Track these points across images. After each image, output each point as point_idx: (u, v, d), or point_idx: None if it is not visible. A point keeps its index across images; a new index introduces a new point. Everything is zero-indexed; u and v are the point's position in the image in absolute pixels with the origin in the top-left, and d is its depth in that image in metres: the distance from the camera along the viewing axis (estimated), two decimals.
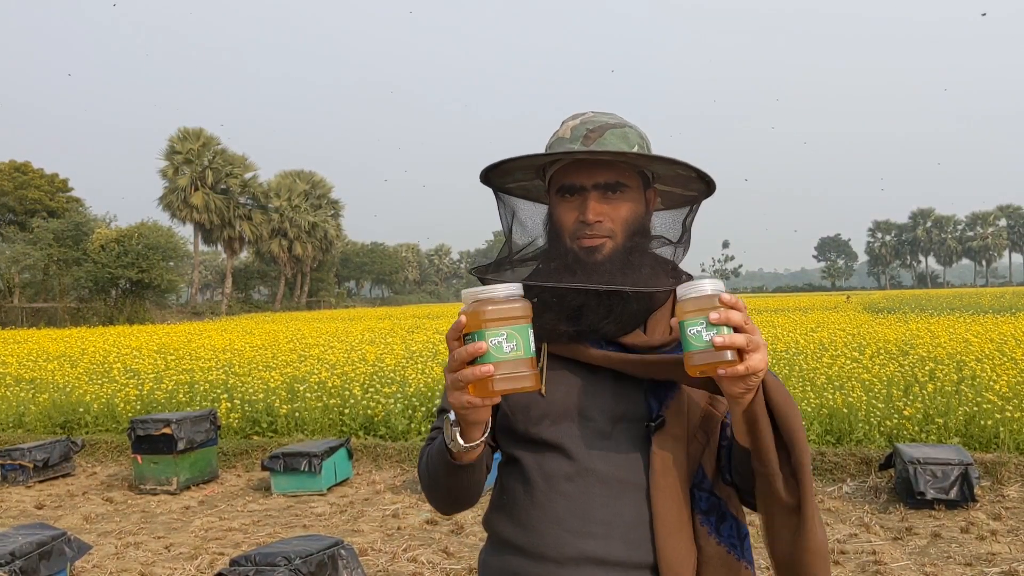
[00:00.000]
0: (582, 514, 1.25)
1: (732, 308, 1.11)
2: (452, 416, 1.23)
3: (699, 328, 1.10)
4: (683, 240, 1.40)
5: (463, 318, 1.12)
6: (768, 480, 1.22)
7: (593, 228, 1.30)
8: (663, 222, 1.42)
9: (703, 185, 1.37)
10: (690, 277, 1.40)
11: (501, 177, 1.42)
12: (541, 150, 1.37)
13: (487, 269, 1.41)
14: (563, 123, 1.36)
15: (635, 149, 1.31)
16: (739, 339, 1.10)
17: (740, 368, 1.10)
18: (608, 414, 1.29)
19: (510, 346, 1.11)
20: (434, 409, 8.01)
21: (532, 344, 1.13)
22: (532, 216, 1.45)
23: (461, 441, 1.23)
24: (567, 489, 1.27)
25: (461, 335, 1.13)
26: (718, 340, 1.08)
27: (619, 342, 1.31)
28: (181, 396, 9.11)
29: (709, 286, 1.12)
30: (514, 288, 1.13)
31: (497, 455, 1.48)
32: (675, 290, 1.18)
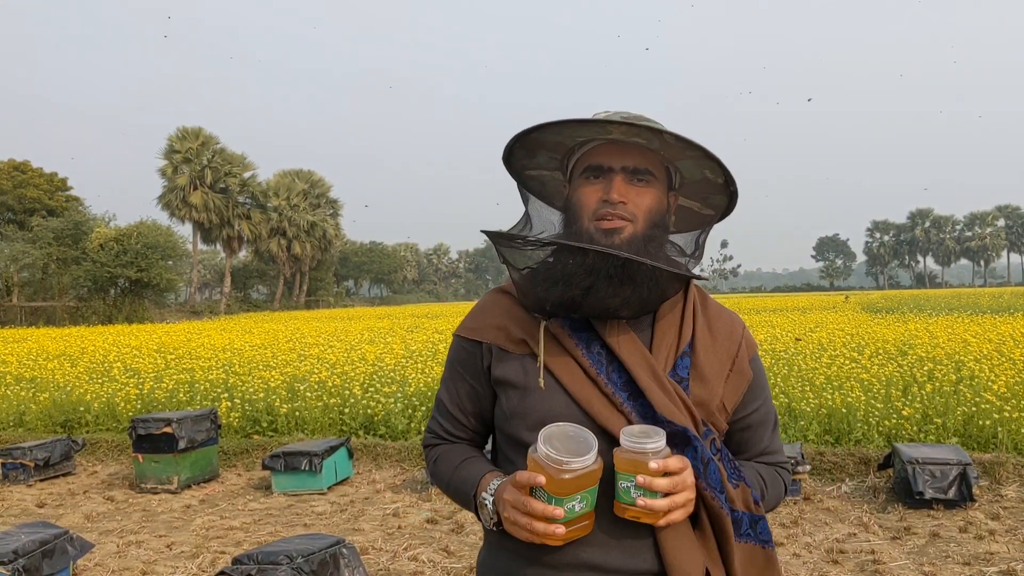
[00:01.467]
0: None
1: (664, 471, 1.17)
2: (491, 504, 1.29)
3: (628, 484, 1.19)
4: (695, 255, 1.41)
5: (542, 479, 1.16)
6: None
7: (616, 208, 1.28)
8: (678, 240, 1.42)
9: (724, 198, 1.35)
10: (703, 277, 1.40)
11: (526, 157, 1.39)
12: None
13: (503, 238, 1.37)
14: (595, 114, 1.34)
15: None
16: (660, 505, 1.18)
17: (660, 523, 1.21)
18: (605, 428, 1.29)
19: (581, 506, 1.19)
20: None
21: (597, 496, 1.21)
22: (547, 210, 1.44)
23: (496, 530, 1.31)
24: None
25: (532, 486, 1.18)
26: (640, 503, 1.18)
27: (621, 361, 1.30)
28: (181, 395, 9.12)
29: (650, 444, 1.18)
30: (594, 452, 1.18)
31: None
32: (621, 437, 1.22)
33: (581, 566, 1.27)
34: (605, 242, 1.27)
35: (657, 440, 1.18)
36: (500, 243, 1.34)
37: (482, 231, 1.38)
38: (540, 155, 1.40)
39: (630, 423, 1.27)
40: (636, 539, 1.27)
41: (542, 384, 1.30)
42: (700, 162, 1.31)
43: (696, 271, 1.41)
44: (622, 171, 1.30)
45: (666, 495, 1.19)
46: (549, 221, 1.43)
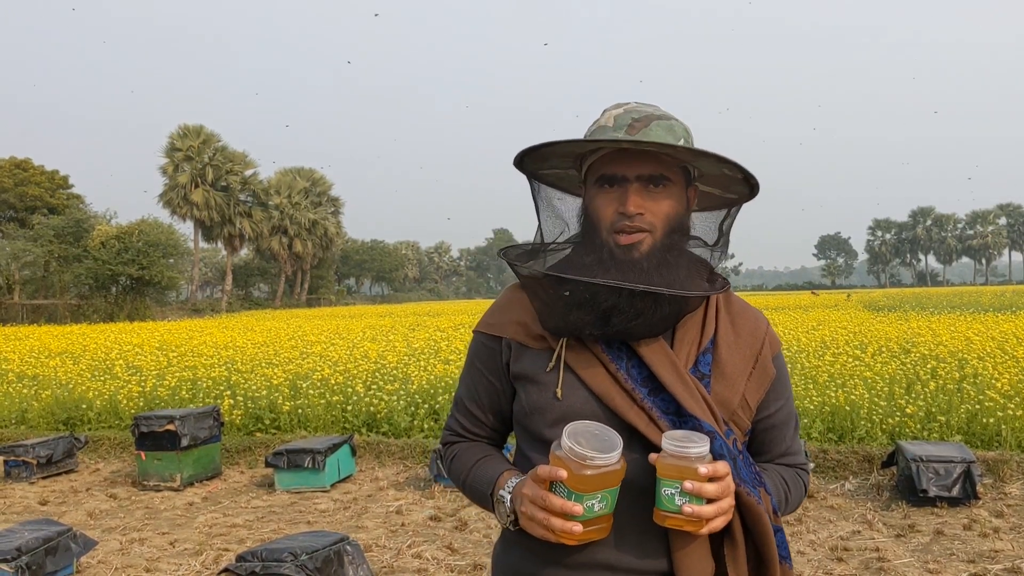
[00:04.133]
0: None
1: (712, 476, 1.15)
2: (508, 501, 1.27)
3: (673, 491, 1.15)
4: (720, 244, 1.37)
5: (563, 473, 1.14)
6: None
7: (633, 220, 1.26)
8: (699, 224, 1.39)
9: (746, 188, 1.33)
10: (726, 282, 1.37)
11: (537, 163, 1.38)
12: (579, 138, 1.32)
13: (519, 255, 1.38)
14: (604, 112, 1.32)
15: (680, 143, 1.26)
16: (708, 511, 1.15)
17: (702, 531, 1.17)
18: (625, 424, 1.27)
19: (601, 506, 1.16)
20: (436, 407, 8.02)
21: (617, 498, 1.18)
22: (565, 205, 1.42)
23: (512, 528, 1.29)
24: None
25: (552, 481, 1.16)
26: (687, 510, 1.15)
27: (641, 357, 1.28)
28: (184, 393, 9.12)
29: (694, 449, 1.15)
30: (617, 451, 1.15)
31: (507, 447, 1.49)
32: (663, 440, 1.19)
33: (595, 565, 1.26)
34: (624, 257, 1.26)
35: (702, 445, 1.16)
36: (517, 267, 1.36)
37: (499, 253, 1.41)
38: (552, 160, 1.38)
39: (651, 419, 1.25)
40: (649, 539, 1.25)
41: (559, 394, 1.29)
42: (716, 164, 1.28)
43: (718, 265, 1.39)
44: (637, 180, 1.27)
45: (709, 501, 1.16)
46: (565, 221, 1.40)
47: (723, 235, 1.38)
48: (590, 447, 1.14)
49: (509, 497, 1.27)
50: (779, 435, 1.41)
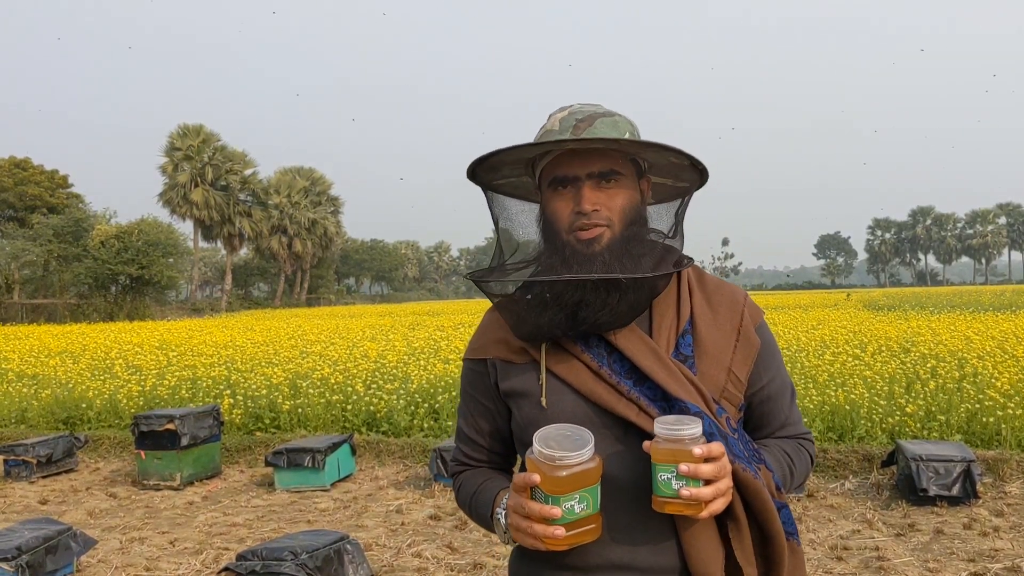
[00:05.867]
0: (604, 521, 1.24)
1: (707, 457, 1.14)
2: (503, 518, 1.27)
3: (669, 476, 1.14)
4: (676, 234, 1.38)
5: (537, 477, 1.14)
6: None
7: (590, 217, 1.28)
8: (654, 215, 1.40)
9: (695, 175, 1.34)
10: (691, 261, 1.37)
11: (489, 173, 1.40)
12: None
13: (485, 274, 1.40)
14: (550, 116, 1.34)
15: (626, 136, 1.29)
16: (706, 493, 1.14)
17: (703, 515, 1.15)
18: (619, 419, 1.27)
19: (581, 507, 1.15)
20: (436, 406, 8.02)
21: (599, 497, 1.17)
22: (525, 214, 1.43)
23: (511, 545, 1.31)
24: None
25: (530, 487, 1.16)
26: (685, 493, 1.13)
27: (621, 350, 1.29)
28: (184, 392, 9.12)
29: (687, 431, 1.14)
30: (589, 448, 1.15)
31: None
32: (656, 428, 1.18)
33: (608, 566, 1.25)
34: (585, 252, 1.28)
35: (694, 427, 1.15)
36: (483, 285, 1.38)
37: (467, 275, 1.43)
38: (503, 169, 1.40)
39: (641, 409, 1.25)
40: (660, 535, 1.25)
41: (544, 403, 1.30)
42: (661, 153, 1.31)
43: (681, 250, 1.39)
44: (588, 178, 1.29)
45: (707, 483, 1.15)
46: (527, 228, 1.41)
47: (677, 223, 1.38)
48: (560, 448, 1.13)
49: (504, 513, 1.28)
50: (775, 407, 1.40)
